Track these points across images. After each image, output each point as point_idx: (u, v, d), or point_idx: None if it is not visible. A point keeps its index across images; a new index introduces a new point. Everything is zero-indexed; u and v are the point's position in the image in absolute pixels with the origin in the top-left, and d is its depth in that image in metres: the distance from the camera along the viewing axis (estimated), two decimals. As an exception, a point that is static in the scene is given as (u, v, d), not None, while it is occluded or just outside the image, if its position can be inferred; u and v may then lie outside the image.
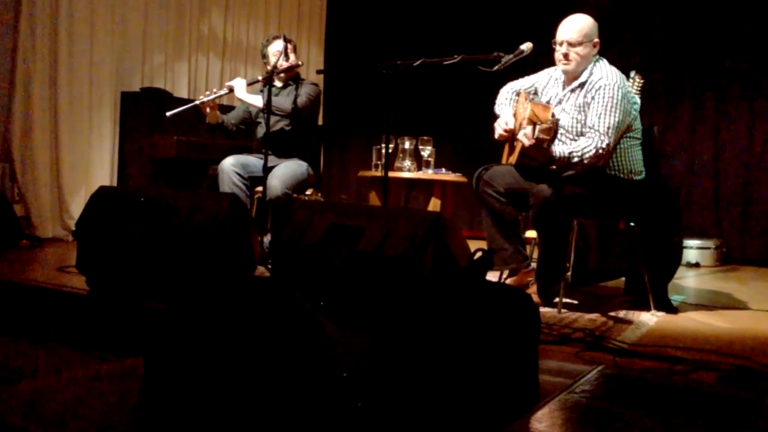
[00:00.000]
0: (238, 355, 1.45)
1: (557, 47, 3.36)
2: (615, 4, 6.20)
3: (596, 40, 3.34)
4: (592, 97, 3.25)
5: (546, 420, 1.55)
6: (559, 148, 3.22)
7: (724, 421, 1.68)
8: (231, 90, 4.41)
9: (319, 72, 5.65)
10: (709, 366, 2.29)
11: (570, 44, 3.30)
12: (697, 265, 5.54)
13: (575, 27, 3.31)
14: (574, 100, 3.35)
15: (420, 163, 5.45)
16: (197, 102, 4.39)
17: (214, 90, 4.45)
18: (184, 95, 6.04)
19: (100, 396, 1.78)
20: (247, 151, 4.63)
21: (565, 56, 3.33)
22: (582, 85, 3.32)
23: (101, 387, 1.86)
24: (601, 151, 3.16)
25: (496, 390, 1.61)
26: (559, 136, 3.33)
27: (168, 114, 4.35)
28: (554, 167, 3.36)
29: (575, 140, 3.29)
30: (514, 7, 6.80)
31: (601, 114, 3.20)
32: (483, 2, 7.02)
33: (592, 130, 3.20)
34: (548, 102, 3.45)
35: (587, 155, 3.17)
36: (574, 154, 3.19)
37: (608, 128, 3.18)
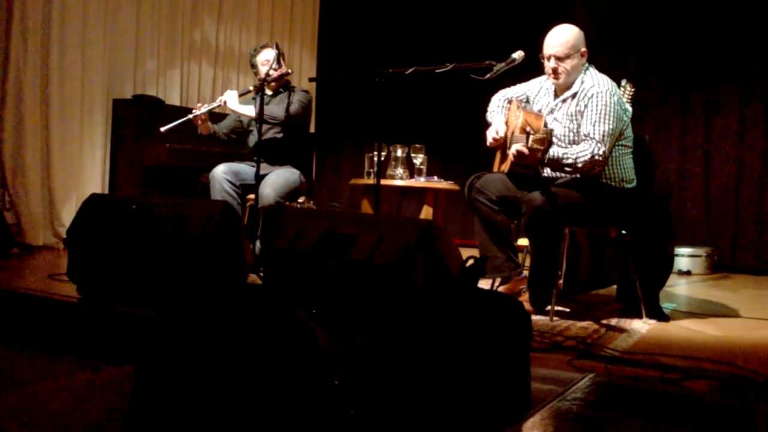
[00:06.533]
0: (230, 362, 1.45)
1: (545, 62, 3.36)
2: (605, 12, 6.24)
3: (583, 49, 3.34)
4: (585, 105, 3.25)
5: (537, 428, 1.55)
6: (553, 149, 3.18)
7: (716, 428, 1.68)
8: (224, 103, 4.43)
9: (311, 80, 5.67)
10: (700, 374, 2.29)
11: (558, 59, 3.30)
12: (688, 273, 5.56)
13: (561, 40, 3.31)
14: (566, 109, 3.35)
15: (412, 171, 5.46)
16: (190, 116, 4.42)
17: (207, 103, 4.49)
18: (177, 102, 6.05)
19: (91, 404, 1.77)
20: (238, 158, 4.63)
21: (554, 71, 3.33)
22: (574, 96, 3.33)
23: (92, 395, 1.85)
24: (597, 157, 3.14)
25: (488, 397, 1.61)
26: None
27: (162, 129, 4.40)
28: (545, 174, 3.37)
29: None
30: (506, 16, 6.83)
31: (595, 122, 3.19)
32: (475, 11, 7.05)
33: (588, 138, 3.19)
34: (540, 111, 3.45)
35: (581, 160, 3.15)
36: (568, 155, 3.17)
37: (603, 135, 3.17)
